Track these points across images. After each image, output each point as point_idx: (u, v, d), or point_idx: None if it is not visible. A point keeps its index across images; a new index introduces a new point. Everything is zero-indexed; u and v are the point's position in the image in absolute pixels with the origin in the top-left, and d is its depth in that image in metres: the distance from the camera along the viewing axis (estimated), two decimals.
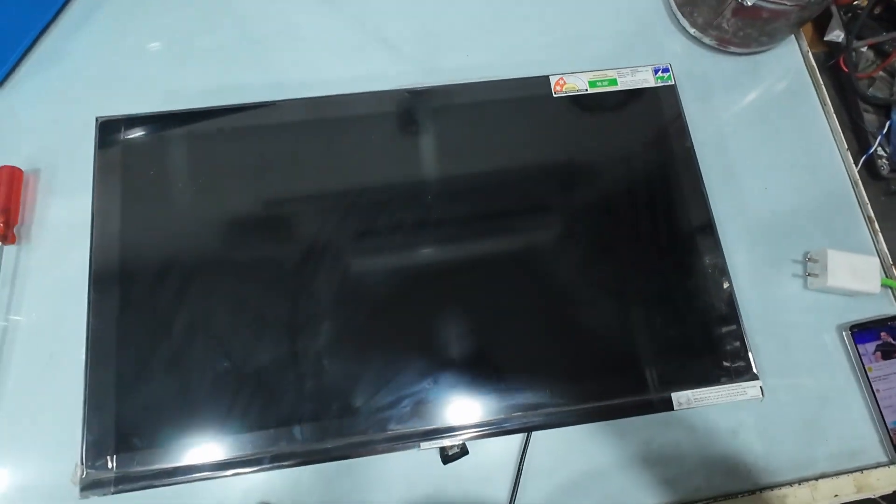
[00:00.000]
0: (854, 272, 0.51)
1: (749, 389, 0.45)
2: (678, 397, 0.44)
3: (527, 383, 0.44)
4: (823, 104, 0.59)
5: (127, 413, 0.42)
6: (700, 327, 0.46)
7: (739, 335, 0.46)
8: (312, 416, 0.42)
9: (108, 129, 0.48)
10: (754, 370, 0.45)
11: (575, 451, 0.48)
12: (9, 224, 0.51)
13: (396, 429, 0.42)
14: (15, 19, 0.56)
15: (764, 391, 0.45)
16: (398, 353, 0.44)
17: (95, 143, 0.48)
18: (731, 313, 0.47)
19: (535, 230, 0.49)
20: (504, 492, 0.47)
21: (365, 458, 0.45)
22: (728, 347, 0.46)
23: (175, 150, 0.49)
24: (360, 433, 0.42)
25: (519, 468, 0.47)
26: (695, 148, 0.51)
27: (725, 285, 0.47)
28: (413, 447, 0.42)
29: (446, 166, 0.50)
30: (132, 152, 0.48)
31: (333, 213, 0.47)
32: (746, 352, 0.46)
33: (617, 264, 0.48)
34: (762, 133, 0.58)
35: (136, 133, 0.49)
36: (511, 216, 0.49)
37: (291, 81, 0.57)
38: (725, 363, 0.45)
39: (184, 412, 0.42)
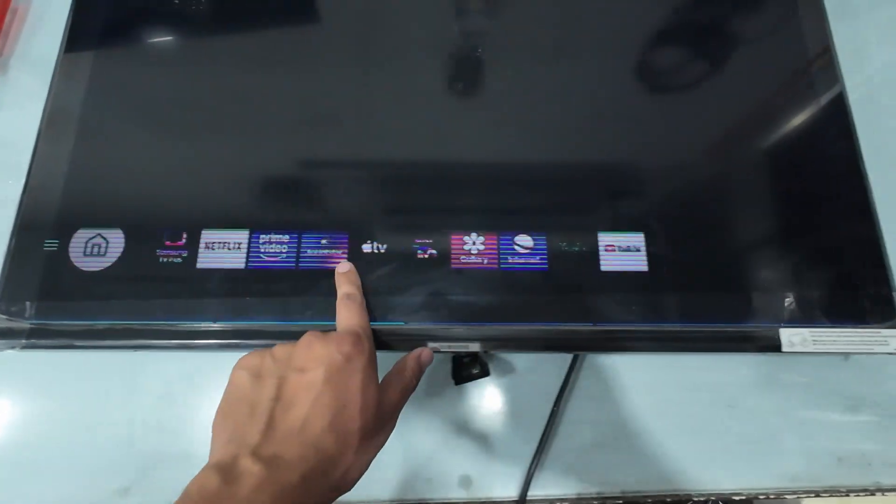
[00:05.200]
0: None
1: (892, 339, 0.32)
2: (789, 335, 0.32)
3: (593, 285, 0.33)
4: None
5: (59, 261, 0.32)
6: (832, 252, 0.34)
7: (883, 270, 0.33)
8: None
9: None
10: None
11: (630, 395, 0.36)
12: None
13: (401, 322, 0.32)
14: None
15: None
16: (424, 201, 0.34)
17: None
18: (872, 240, 0.34)
19: None
20: (527, 434, 0.35)
21: None
22: (866, 282, 0.33)
23: None
24: None
25: (558, 399, 0.35)
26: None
27: (866, 210, 0.34)
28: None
29: None
30: None
31: None
32: (892, 291, 0.33)
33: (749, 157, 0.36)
34: None
35: None
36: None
37: None
38: (861, 301, 0.33)
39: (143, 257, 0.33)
